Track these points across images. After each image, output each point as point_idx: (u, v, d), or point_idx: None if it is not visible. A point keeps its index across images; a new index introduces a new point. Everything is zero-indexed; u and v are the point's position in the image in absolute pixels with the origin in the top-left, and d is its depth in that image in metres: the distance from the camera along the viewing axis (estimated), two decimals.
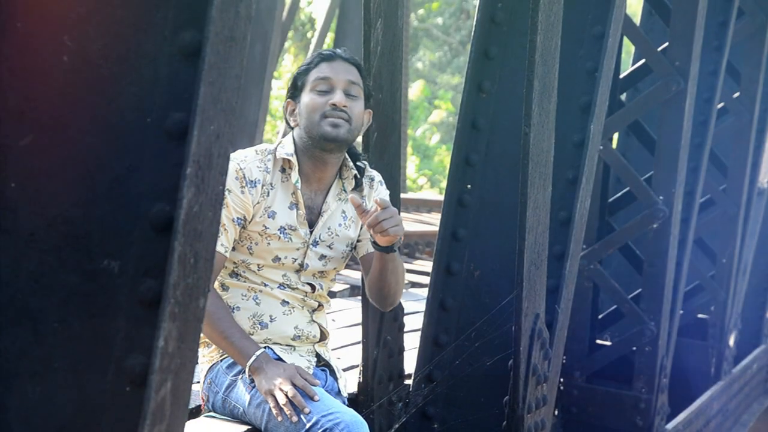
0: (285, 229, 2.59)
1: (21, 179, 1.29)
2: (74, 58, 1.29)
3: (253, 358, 2.50)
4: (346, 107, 2.54)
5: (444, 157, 24.31)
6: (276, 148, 2.60)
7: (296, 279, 2.64)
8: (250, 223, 2.57)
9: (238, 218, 2.54)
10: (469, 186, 3.27)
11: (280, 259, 2.61)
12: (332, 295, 2.85)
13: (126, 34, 1.30)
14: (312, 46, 14.16)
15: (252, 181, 2.54)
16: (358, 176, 2.67)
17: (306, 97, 2.58)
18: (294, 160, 2.57)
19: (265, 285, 2.62)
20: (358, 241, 2.72)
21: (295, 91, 2.62)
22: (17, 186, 1.29)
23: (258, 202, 2.56)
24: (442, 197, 4.00)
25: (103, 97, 1.30)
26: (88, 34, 1.29)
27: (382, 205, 2.42)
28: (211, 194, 1.31)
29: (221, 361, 2.64)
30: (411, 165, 23.46)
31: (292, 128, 2.63)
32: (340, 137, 2.54)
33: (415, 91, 24.70)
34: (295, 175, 2.57)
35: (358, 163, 2.69)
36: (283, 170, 2.59)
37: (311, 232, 2.62)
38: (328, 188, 2.65)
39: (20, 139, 1.29)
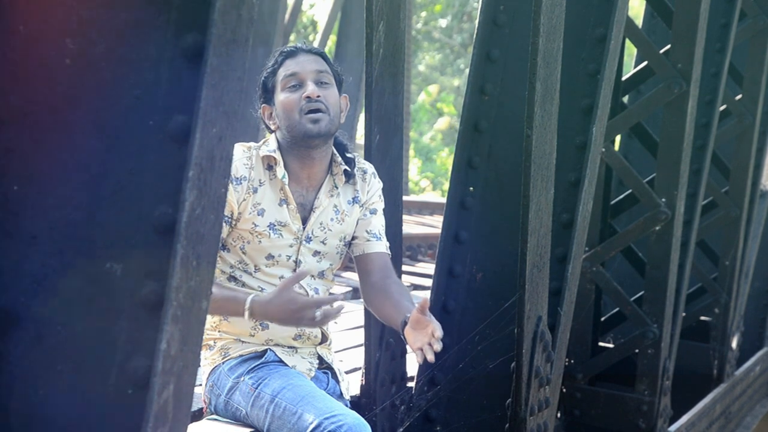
0: (274, 225, 2.60)
1: (23, 182, 1.29)
2: (77, 61, 1.29)
3: (247, 313, 2.44)
4: (320, 97, 2.56)
5: (446, 159, 24.31)
6: (260, 147, 2.62)
7: None
8: (239, 221, 2.57)
9: (225, 216, 2.55)
10: (471, 188, 3.27)
11: (273, 257, 2.62)
12: None
13: (128, 36, 1.30)
14: None
15: (237, 179, 2.56)
16: (348, 170, 2.67)
17: (280, 97, 2.61)
18: (277, 156, 2.59)
19: (263, 290, 2.62)
20: (353, 238, 2.72)
21: (266, 94, 2.65)
22: (19, 189, 1.29)
23: (244, 200, 2.57)
24: (444, 200, 3.99)
25: (106, 100, 1.30)
26: (91, 37, 1.29)
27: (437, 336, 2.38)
28: (213, 197, 1.31)
29: (223, 363, 2.64)
30: (413, 167, 23.47)
31: (273, 132, 2.65)
32: (322, 131, 2.56)
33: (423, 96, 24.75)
34: (281, 171, 2.59)
35: (348, 155, 2.69)
36: (270, 167, 2.61)
37: (304, 228, 2.63)
38: (320, 185, 2.66)
39: (22, 141, 1.29)
